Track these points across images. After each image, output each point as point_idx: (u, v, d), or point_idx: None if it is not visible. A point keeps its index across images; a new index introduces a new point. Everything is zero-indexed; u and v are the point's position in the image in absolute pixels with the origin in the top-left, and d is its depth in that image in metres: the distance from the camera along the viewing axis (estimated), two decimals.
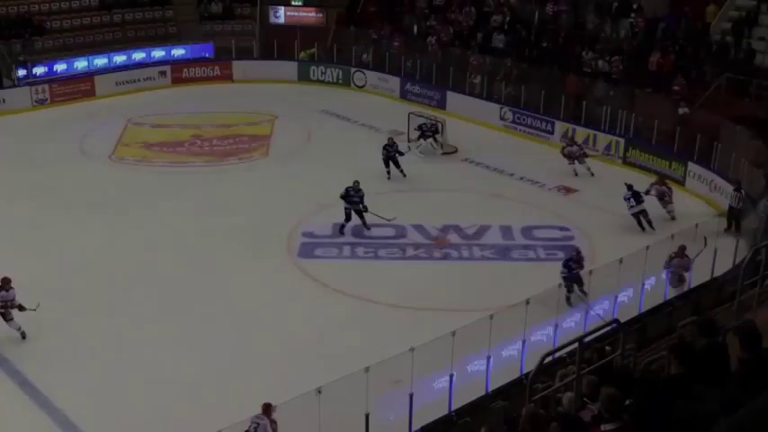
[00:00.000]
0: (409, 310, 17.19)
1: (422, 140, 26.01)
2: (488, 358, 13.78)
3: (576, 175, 24.26)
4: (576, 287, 16.97)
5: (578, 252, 17.71)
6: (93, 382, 14.69)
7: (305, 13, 36.17)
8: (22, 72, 31.25)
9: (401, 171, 23.86)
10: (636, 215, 20.81)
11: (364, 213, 20.55)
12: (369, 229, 20.63)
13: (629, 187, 21.03)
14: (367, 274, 18.89)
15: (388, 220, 20.55)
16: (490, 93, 29.84)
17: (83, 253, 19.62)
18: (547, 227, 21.20)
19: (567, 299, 16.89)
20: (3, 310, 15.98)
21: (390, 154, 23.92)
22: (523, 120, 28.42)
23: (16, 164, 25.29)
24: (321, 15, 35.86)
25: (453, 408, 12.85)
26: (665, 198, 21.60)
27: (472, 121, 29.23)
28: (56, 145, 26.94)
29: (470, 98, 30.00)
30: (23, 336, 16.08)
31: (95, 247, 19.93)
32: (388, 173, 23.87)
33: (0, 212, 21.78)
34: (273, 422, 11.88)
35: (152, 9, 35.81)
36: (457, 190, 23.65)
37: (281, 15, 36.07)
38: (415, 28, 33.61)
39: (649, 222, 20.80)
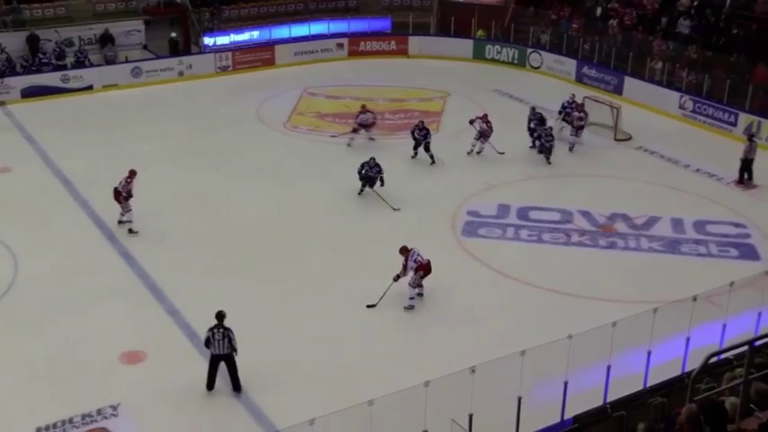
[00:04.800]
0: (569, 296, 16.91)
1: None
2: (649, 353, 13.35)
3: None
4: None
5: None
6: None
7: None
8: (208, 40, 32.64)
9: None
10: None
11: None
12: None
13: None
14: (529, 258, 18.67)
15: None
16: (671, 80, 28.74)
17: (248, 214, 20.41)
18: (721, 222, 20.29)
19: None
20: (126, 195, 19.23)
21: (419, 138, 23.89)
22: (704, 110, 27.17)
23: (198, 126, 26.64)
24: None
25: (608, 400, 12.55)
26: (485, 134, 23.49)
27: (650, 108, 28.26)
28: (235, 110, 28.15)
29: (649, 85, 28.99)
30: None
31: (261, 210, 20.67)
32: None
33: (177, 171, 22.86)
34: None
35: None
36: (628, 178, 22.94)
37: None
38: (599, 10, 32.72)
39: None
